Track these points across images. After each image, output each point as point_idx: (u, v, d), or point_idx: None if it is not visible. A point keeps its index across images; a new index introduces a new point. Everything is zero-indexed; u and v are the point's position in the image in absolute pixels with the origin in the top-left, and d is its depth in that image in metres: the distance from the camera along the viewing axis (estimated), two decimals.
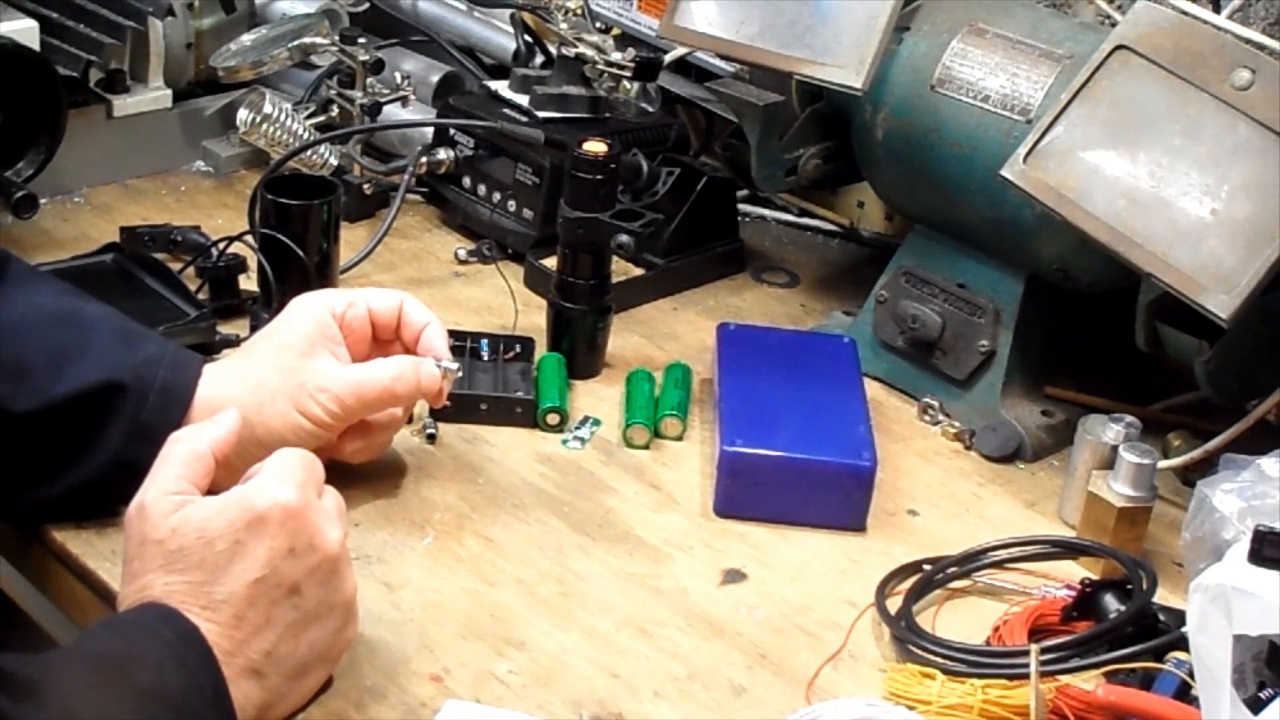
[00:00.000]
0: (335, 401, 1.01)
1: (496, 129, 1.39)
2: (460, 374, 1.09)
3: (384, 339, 1.08)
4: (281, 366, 1.02)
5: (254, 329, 1.18)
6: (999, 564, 1.06)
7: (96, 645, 0.82)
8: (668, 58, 1.45)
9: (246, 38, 1.49)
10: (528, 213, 1.39)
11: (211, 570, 0.84)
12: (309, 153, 1.41)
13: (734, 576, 1.04)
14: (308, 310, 1.05)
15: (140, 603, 0.84)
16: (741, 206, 1.51)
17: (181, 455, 0.89)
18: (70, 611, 1.03)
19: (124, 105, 1.45)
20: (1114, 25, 1.11)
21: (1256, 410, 1.10)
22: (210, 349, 1.18)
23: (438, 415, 1.15)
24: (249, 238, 1.23)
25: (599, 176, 1.19)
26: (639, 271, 1.36)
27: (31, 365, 0.98)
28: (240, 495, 0.86)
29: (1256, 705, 0.81)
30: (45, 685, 0.76)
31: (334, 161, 1.44)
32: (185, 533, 0.84)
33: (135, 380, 0.99)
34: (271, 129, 1.40)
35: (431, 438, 1.14)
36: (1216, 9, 1.18)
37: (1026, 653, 0.91)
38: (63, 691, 0.77)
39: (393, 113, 1.47)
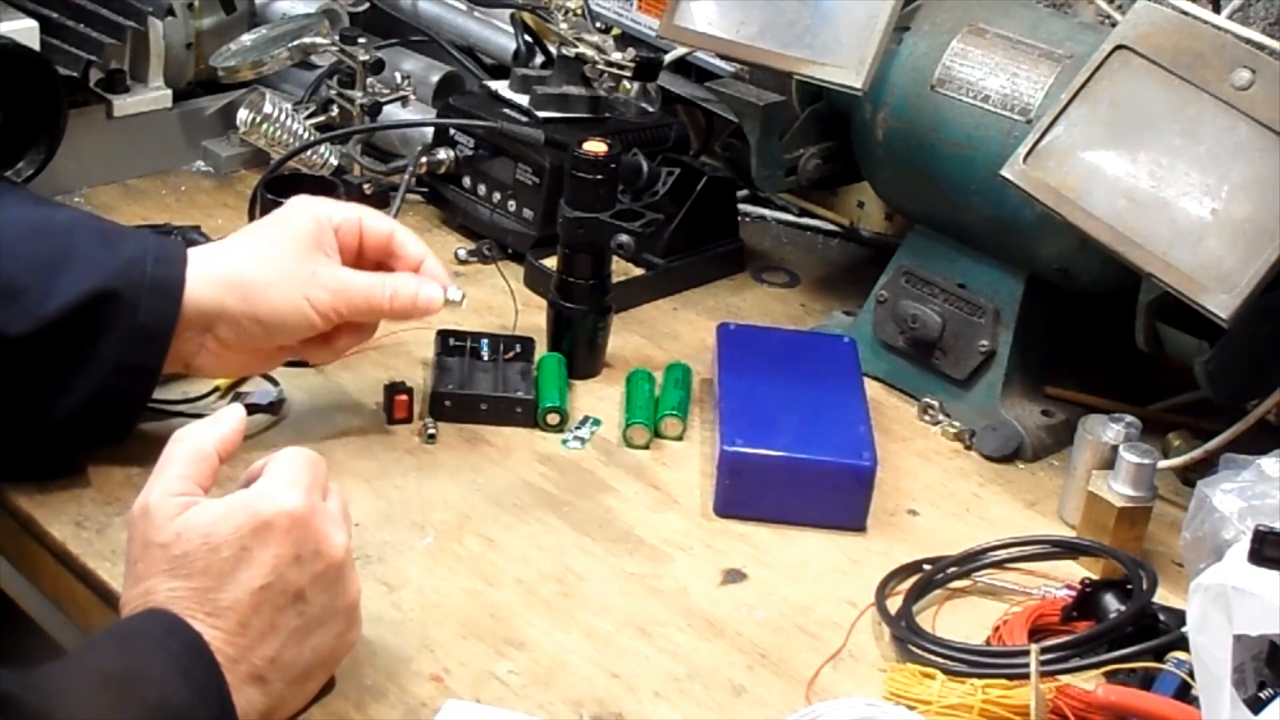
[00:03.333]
0: (345, 302, 1.04)
1: (496, 129, 1.39)
2: (463, 304, 1.10)
3: (368, 259, 1.09)
4: (293, 253, 1.04)
5: None
6: (999, 564, 1.06)
7: (102, 660, 0.81)
8: (668, 58, 1.45)
9: (246, 38, 1.49)
10: (528, 213, 1.39)
11: (216, 576, 0.83)
12: (309, 153, 1.41)
13: (734, 576, 1.04)
14: (308, 212, 1.06)
15: (144, 608, 0.83)
16: (741, 206, 1.51)
17: (185, 455, 0.88)
18: (70, 611, 1.03)
19: (124, 105, 1.45)
20: (1114, 25, 1.11)
21: (1256, 410, 1.10)
22: None
23: (438, 415, 1.15)
24: None
25: (599, 176, 1.19)
26: (639, 271, 1.36)
27: (19, 285, 0.98)
28: (246, 500, 0.85)
29: (1256, 705, 0.81)
30: (53, 714, 0.76)
31: (334, 161, 1.44)
32: (190, 538, 0.84)
33: (125, 284, 0.99)
34: (271, 129, 1.40)
35: (432, 438, 1.14)
36: (1216, 9, 1.18)
37: (1026, 653, 0.91)
38: (71, 717, 0.76)
39: (393, 113, 1.47)
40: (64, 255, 0.99)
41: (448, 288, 1.09)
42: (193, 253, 1.03)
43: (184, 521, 0.84)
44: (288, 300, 1.03)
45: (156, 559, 0.84)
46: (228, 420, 0.91)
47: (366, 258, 1.09)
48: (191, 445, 0.89)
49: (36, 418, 1.00)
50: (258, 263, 1.02)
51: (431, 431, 1.14)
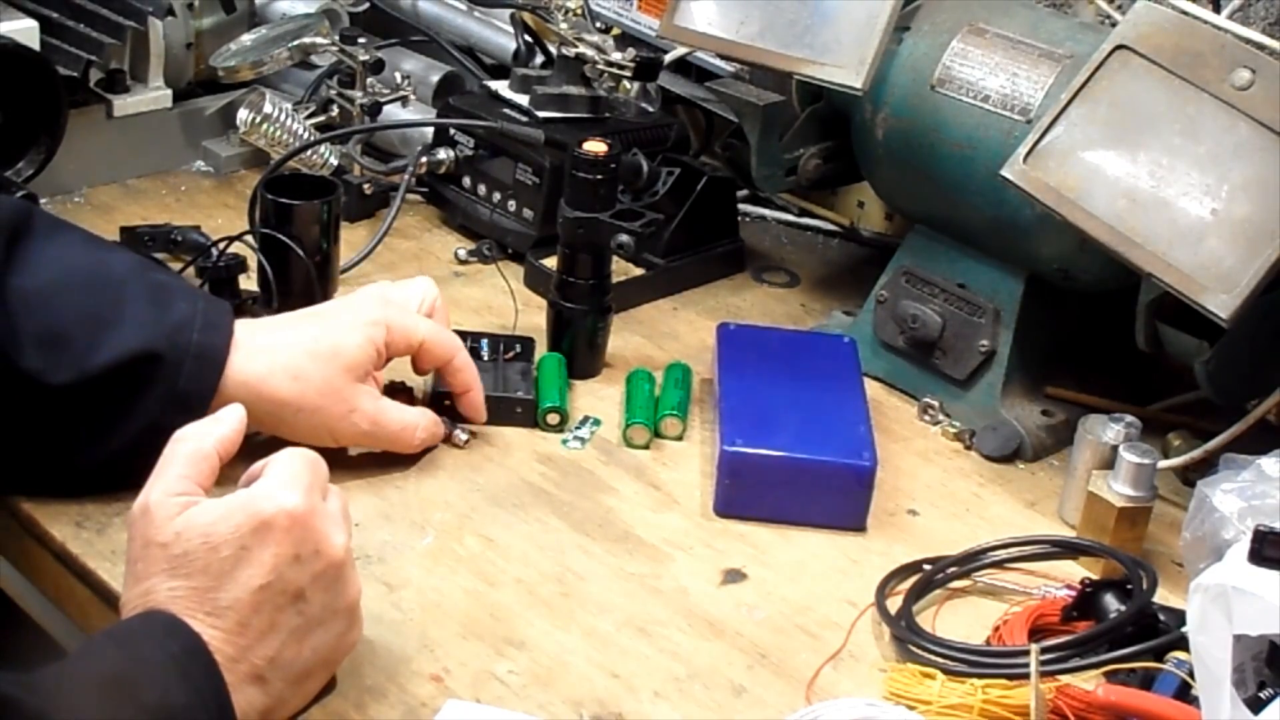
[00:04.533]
0: (372, 439, 1.07)
1: (496, 129, 1.39)
2: (467, 444, 1.13)
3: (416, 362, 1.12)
4: (337, 386, 1.04)
5: None
6: (999, 564, 1.06)
7: (101, 662, 0.81)
8: (668, 58, 1.45)
9: (246, 38, 1.49)
10: (528, 213, 1.39)
11: (216, 576, 0.83)
12: (309, 153, 1.41)
13: (734, 576, 1.04)
14: (369, 334, 1.06)
15: (144, 609, 0.83)
16: (741, 206, 1.51)
17: (185, 455, 0.88)
18: (70, 611, 1.03)
19: (124, 105, 1.45)
20: (1114, 25, 1.11)
21: (1256, 410, 1.10)
22: None
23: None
24: (249, 238, 1.23)
25: (599, 176, 1.19)
26: (639, 271, 1.36)
27: (66, 335, 0.98)
28: (246, 500, 0.85)
29: (1256, 705, 0.81)
30: (52, 716, 0.76)
31: (334, 161, 1.44)
32: (190, 537, 0.84)
33: (170, 348, 0.99)
34: (271, 129, 1.40)
35: None
36: (1216, 9, 1.18)
37: (1026, 653, 0.91)
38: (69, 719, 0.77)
39: (393, 113, 1.47)
40: (114, 310, 1.00)
41: (458, 429, 1.13)
42: (241, 333, 1.03)
43: (184, 521, 0.84)
44: (313, 432, 1.04)
45: (156, 558, 0.84)
46: (228, 420, 0.91)
47: (416, 362, 1.12)
48: (192, 445, 0.89)
49: (63, 464, 1.00)
50: (298, 390, 1.03)
51: None
